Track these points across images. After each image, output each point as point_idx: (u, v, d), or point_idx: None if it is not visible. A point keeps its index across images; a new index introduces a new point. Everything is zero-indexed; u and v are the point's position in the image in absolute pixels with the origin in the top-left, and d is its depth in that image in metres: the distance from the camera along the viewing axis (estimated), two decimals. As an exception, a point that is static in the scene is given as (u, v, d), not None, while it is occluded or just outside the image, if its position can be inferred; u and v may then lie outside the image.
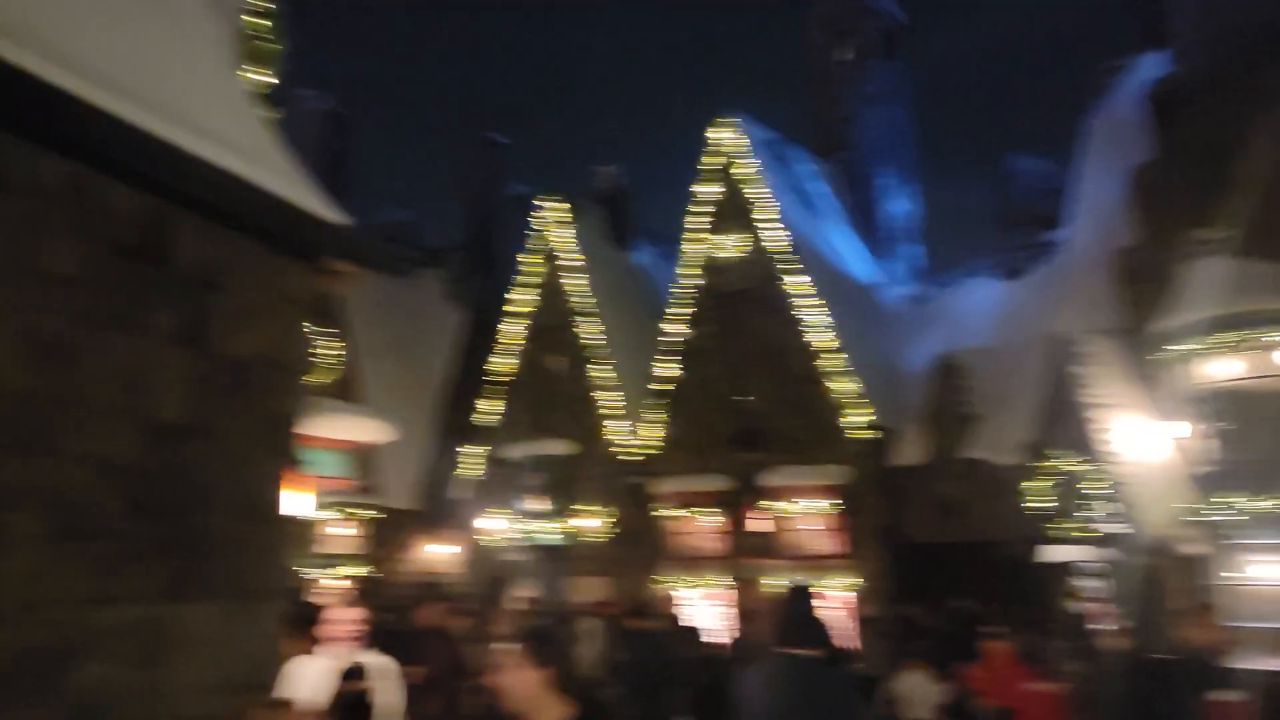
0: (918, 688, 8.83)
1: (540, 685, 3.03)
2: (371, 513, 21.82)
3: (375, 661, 5.34)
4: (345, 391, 21.77)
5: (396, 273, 25.66)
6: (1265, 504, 12.14)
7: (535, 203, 24.65)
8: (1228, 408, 12.85)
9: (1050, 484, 14.99)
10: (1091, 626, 12.44)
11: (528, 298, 24.18)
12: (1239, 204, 13.04)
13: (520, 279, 24.40)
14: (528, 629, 3.37)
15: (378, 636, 5.95)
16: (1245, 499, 12.30)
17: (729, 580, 19.76)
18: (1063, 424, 14.89)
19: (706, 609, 19.29)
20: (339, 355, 21.53)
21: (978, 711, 5.75)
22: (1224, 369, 12.91)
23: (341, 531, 23.17)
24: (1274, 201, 12.78)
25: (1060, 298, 16.66)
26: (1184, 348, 13.11)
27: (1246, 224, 12.88)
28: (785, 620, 3.81)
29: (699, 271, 21.47)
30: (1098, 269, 15.49)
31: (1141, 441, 14.24)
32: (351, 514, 20.76)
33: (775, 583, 18.83)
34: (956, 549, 17.43)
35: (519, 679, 3.04)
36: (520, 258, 24.59)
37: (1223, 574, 12.83)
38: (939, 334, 20.04)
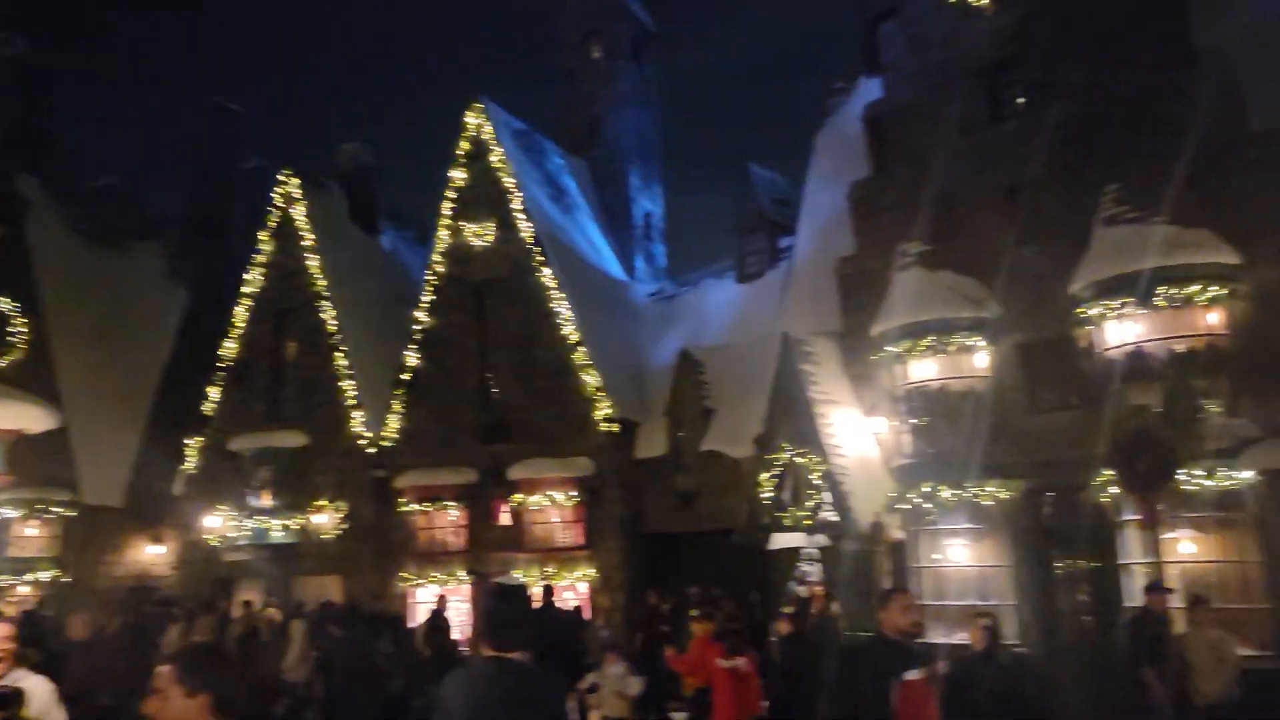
0: (615, 681, 8.76)
1: (193, 713, 2.67)
2: (61, 510, 19.60)
3: (32, 684, 4.65)
4: (33, 375, 19.36)
5: (97, 241, 23.16)
6: (957, 493, 13.45)
7: (275, 177, 23.10)
8: (926, 405, 14.13)
9: (779, 475, 15.80)
10: (813, 609, 13.25)
11: (263, 278, 22.59)
12: (933, 221, 14.38)
13: (255, 258, 22.77)
14: (183, 649, 2.99)
15: (29, 655, 5.20)
16: (940, 488, 13.56)
17: (472, 575, 19.43)
18: (790, 418, 15.75)
19: (450, 606, 18.85)
20: (21, 333, 19.10)
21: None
22: (922, 370, 14.20)
23: (32, 532, 20.64)
24: (959, 220, 14.20)
25: (790, 300, 17.65)
26: (891, 350, 14.30)
27: (938, 239, 14.23)
28: (488, 621, 3.64)
29: (449, 259, 20.96)
30: (823, 275, 16.54)
31: (857, 436, 15.36)
32: (37, 511, 18.52)
33: (520, 576, 18.74)
34: (694, 538, 18.12)
35: (168, 706, 2.67)
36: (256, 235, 22.96)
37: (923, 558, 14.12)
38: (681, 331, 20.72)
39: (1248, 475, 11.04)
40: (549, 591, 14.36)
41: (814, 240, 17.73)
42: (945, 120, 14.70)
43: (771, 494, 15.74)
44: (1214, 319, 11.72)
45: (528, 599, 3.79)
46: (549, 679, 3.76)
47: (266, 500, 20.90)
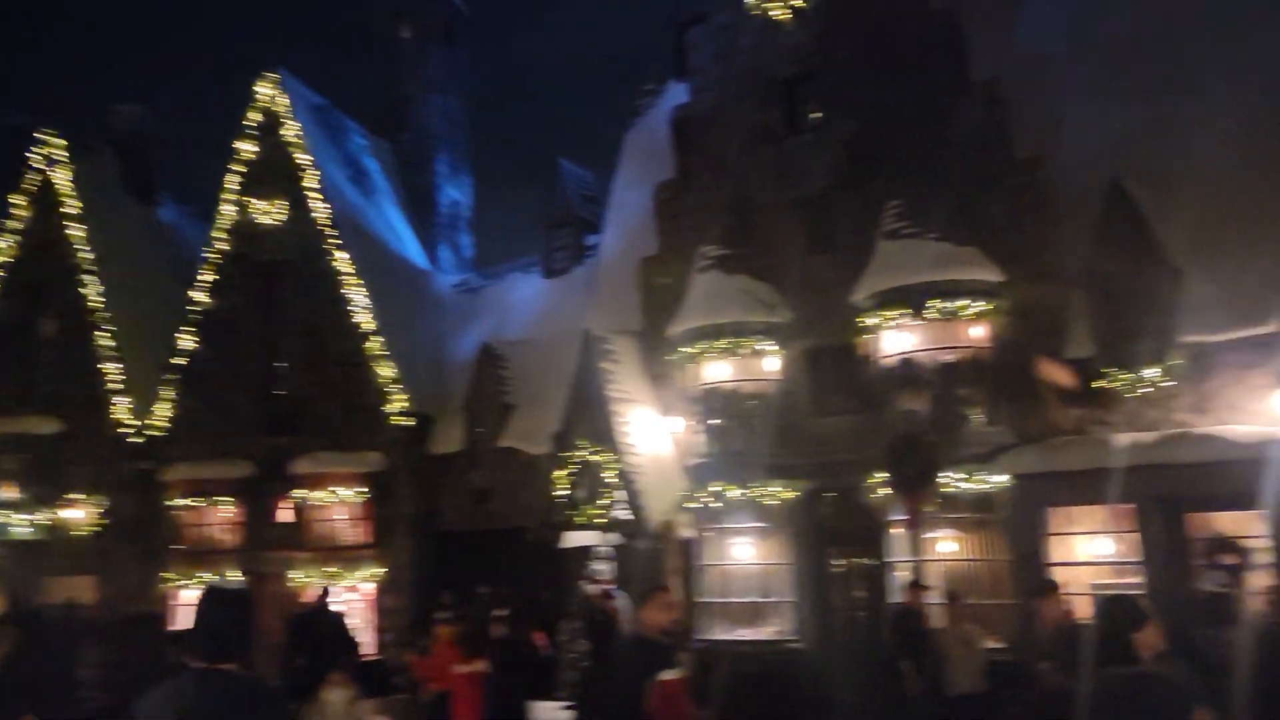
0: (336, 707, 7.60)
1: None
2: None
3: None
4: None
5: None
6: (744, 492, 13.79)
7: (33, 136, 20.85)
8: (719, 406, 14.42)
9: (574, 473, 15.73)
10: (605, 607, 13.21)
11: (14, 246, 20.33)
12: (731, 226, 14.73)
13: (7, 223, 20.48)
14: None
15: None
16: (729, 488, 13.87)
17: (246, 576, 18.20)
18: (589, 416, 15.70)
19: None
20: None
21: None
22: (716, 372, 14.50)
23: None
24: (755, 226, 14.62)
25: (594, 298, 17.63)
26: (687, 351, 14.51)
27: (736, 244, 14.59)
28: (197, 628, 3.24)
29: (234, 237, 19.59)
30: (627, 274, 16.62)
31: (652, 435, 15.50)
32: None
33: (300, 577, 17.74)
34: (487, 536, 17.73)
35: None
36: (10, 198, 20.65)
37: (711, 556, 14.39)
38: (484, 324, 20.28)
39: (1002, 479, 11.89)
40: (324, 593, 13.62)
41: (620, 239, 17.78)
42: (746, 128, 15.07)
43: (567, 492, 15.63)
44: (978, 332, 12.56)
45: (247, 604, 3.41)
46: (266, 693, 3.40)
47: (10, 492, 18.81)
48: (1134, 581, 10.94)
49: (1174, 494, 10.76)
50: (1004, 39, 14.42)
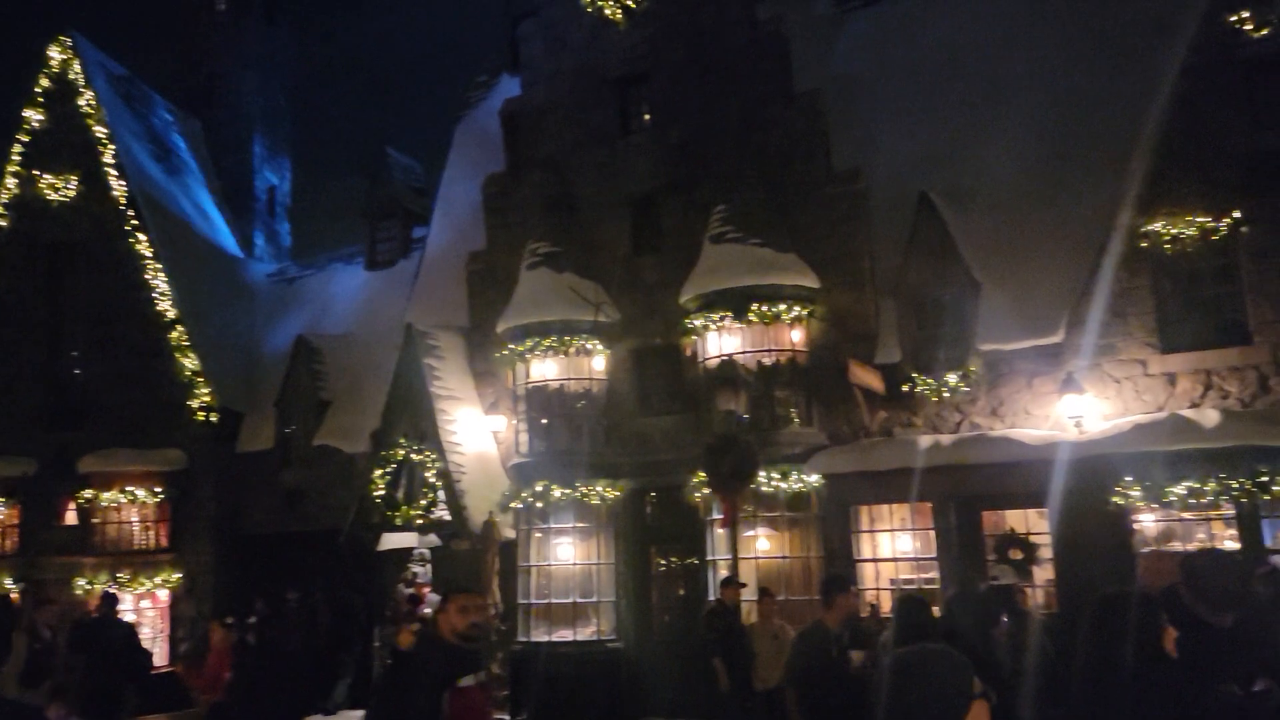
0: None
1: None
2: None
3: None
4: None
5: None
6: (568, 492, 13.66)
7: None
8: (544, 405, 14.24)
9: (393, 472, 15.19)
10: (411, 611, 12.78)
11: None
12: (561, 223, 14.60)
13: None
14: None
15: None
16: (553, 487, 13.70)
17: (21, 584, 16.58)
18: (410, 414, 15.20)
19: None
20: None
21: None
22: (542, 370, 14.32)
23: None
24: (585, 224, 14.55)
25: (419, 292, 17.09)
26: (514, 348, 14.26)
27: (565, 241, 14.47)
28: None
29: (17, 213, 17.83)
30: (454, 268, 16.18)
31: (476, 433, 15.15)
32: None
33: (86, 584, 16.32)
34: (299, 539, 16.88)
35: None
36: None
37: (533, 556, 14.17)
38: (301, 316, 19.33)
39: (814, 479, 12.27)
40: (110, 601, 12.54)
41: (447, 232, 17.35)
42: (578, 126, 14.97)
43: (384, 492, 15.06)
44: (795, 336, 12.92)
45: (9, 612, 2.97)
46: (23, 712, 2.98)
47: None
48: (931, 576, 11.51)
49: (969, 493, 11.40)
50: (825, 54, 14.94)
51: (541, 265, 14.33)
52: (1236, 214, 10.60)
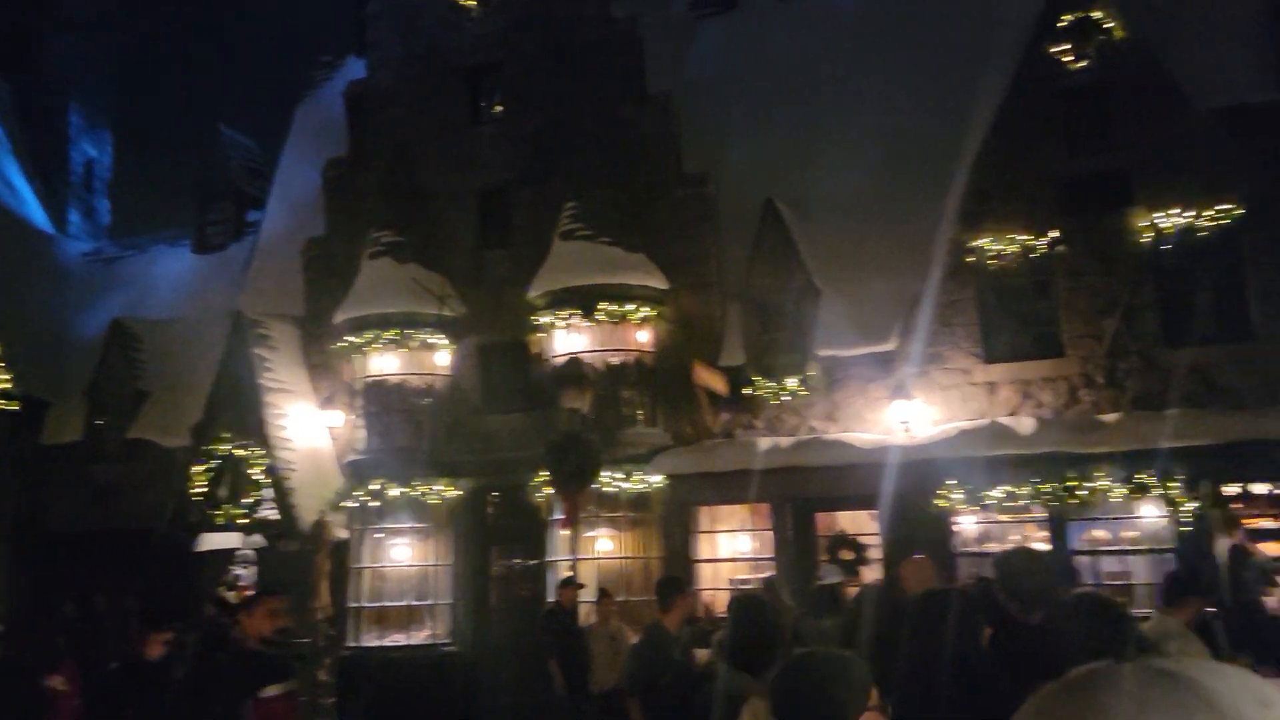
0: None
1: None
2: None
3: None
4: None
5: None
6: (406, 490, 13.20)
7: None
8: (383, 400, 13.72)
9: (216, 468, 14.31)
10: (215, 617, 12.00)
11: None
12: (407, 212, 14.12)
13: None
14: None
15: None
16: (390, 486, 13.21)
17: None
18: (236, 406, 14.37)
19: None
20: None
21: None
22: (383, 364, 13.80)
23: None
24: (433, 214, 14.12)
25: (251, 278, 16.21)
26: (353, 340, 13.68)
27: (411, 231, 14.01)
28: None
29: None
30: (290, 255, 15.41)
31: (308, 429, 14.46)
32: None
33: None
34: (109, 538, 15.65)
35: None
36: None
37: (366, 558, 13.61)
38: (118, 299, 17.96)
39: (656, 479, 12.29)
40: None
41: (284, 217, 16.55)
42: (427, 112, 14.51)
43: (206, 489, 14.17)
44: (642, 337, 12.92)
45: None
46: None
47: None
48: (768, 576, 11.71)
49: (805, 494, 11.68)
50: (680, 57, 15.05)
51: (384, 255, 13.81)
52: (1054, 234, 11.28)
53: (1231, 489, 10.79)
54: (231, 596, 13.52)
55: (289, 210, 16.48)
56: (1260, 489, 11.12)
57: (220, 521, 14.21)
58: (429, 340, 13.69)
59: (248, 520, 14.15)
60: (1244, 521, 11.63)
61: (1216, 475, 10.25)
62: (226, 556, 14.76)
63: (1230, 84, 11.56)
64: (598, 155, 13.31)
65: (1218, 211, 10.69)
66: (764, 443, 11.92)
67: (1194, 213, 10.75)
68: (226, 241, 18.08)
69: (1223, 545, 10.28)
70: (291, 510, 13.77)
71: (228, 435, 14.28)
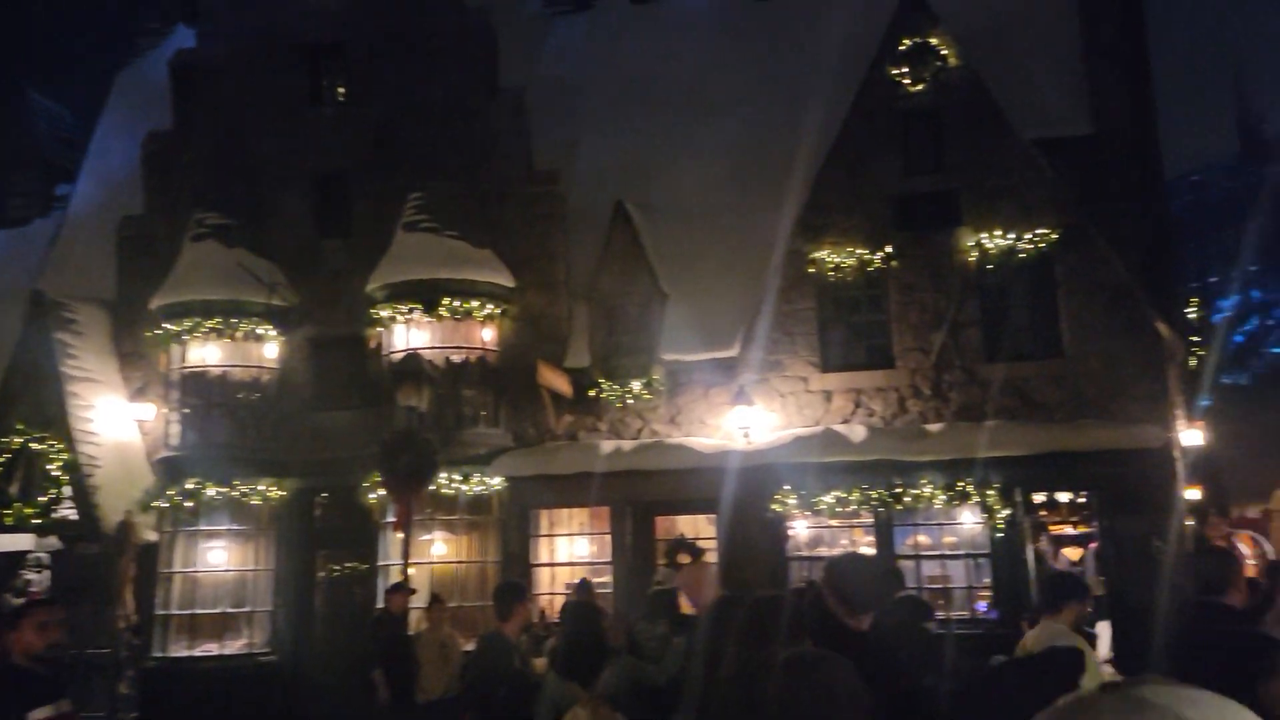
0: None
1: None
2: None
3: None
4: None
5: None
6: (225, 490, 12.39)
7: None
8: (203, 393, 12.86)
9: (7, 463, 13.08)
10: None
11: None
12: (236, 194, 13.29)
13: None
14: None
15: None
16: (207, 485, 12.38)
17: None
18: (33, 396, 13.17)
19: None
20: None
21: None
22: (204, 354, 12.92)
23: None
24: (265, 198, 13.36)
25: (57, 256, 14.95)
26: (171, 328, 12.76)
27: (240, 214, 13.20)
28: None
29: None
30: (103, 233, 14.26)
31: (117, 422, 13.41)
32: None
33: None
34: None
35: None
36: None
37: (178, 562, 12.69)
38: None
39: (496, 481, 12.00)
40: None
41: (98, 191, 15.43)
42: (261, 89, 13.70)
43: (-6, 486, 12.89)
44: (486, 335, 12.61)
45: None
46: None
47: None
48: (605, 580, 11.63)
49: (646, 498, 11.68)
50: (533, 53, 14.84)
51: (209, 238, 12.95)
52: (888, 249, 11.72)
53: (1039, 497, 11.54)
54: (19, 604, 12.35)
55: (103, 185, 15.31)
56: (1064, 497, 11.95)
57: (9, 521, 12.99)
58: (256, 330, 12.92)
59: (42, 520, 12.99)
60: (1051, 528, 12.51)
61: (1027, 484, 10.90)
62: (16, 560, 13.48)
63: (1049, 118, 12.37)
64: (445, 146, 12.92)
65: (1035, 236, 11.38)
66: (606, 446, 11.85)
67: (1014, 236, 11.40)
68: (31, 215, 16.68)
69: (1031, 551, 10.96)
70: (94, 510, 12.75)
71: (21, 426, 13.08)
